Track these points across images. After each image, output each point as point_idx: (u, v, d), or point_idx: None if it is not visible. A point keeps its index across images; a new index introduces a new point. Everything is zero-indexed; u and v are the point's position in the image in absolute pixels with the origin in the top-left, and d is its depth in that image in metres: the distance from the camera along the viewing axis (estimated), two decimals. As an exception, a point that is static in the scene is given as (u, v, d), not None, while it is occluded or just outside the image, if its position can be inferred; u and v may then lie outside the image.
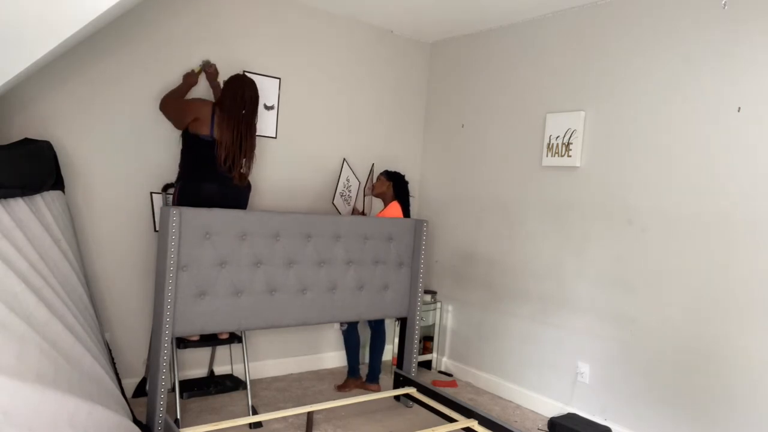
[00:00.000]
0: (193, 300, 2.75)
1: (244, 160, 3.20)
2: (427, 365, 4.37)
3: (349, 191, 4.17)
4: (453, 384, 4.06)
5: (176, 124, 3.22)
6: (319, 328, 4.14)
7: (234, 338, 3.34)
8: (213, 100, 3.27)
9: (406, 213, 3.80)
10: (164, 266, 2.66)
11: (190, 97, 3.31)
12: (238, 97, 3.14)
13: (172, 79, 3.38)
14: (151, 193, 3.36)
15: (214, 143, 3.11)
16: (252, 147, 3.24)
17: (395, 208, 3.74)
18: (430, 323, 4.34)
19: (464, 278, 4.22)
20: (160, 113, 3.35)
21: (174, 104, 3.22)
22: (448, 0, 3.62)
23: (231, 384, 3.53)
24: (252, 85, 3.23)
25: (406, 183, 3.88)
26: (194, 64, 3.43)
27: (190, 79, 3.33)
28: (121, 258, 3.31)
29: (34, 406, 1.79)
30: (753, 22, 2.74)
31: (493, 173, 4.03)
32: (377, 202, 4.25)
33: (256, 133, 3.32)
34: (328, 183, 4.10)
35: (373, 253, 3.39)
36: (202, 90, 3.45)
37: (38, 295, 2.08)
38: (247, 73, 3.66)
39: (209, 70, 3.39)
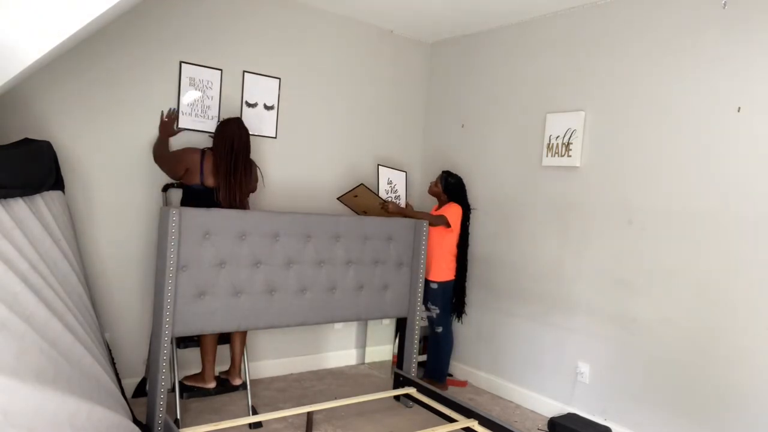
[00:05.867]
0: (192, 300, 2.75)
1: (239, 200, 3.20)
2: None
3: (396, 191, 4.10)
4: (463, 384, 4.07)
5: (170, 174, 3.26)
6: (318, 328, 4.14)
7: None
8: (201, 148, 3.25)
9: (467, 214, 3.94)
10: (164, 266, 2.66)
11: (181, 148, 3.27)
12: (226, 144, 3.15)
13: (172, 78, 3.38)
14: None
15: (205, 191, 3.12)
16: (248, 190, 3.25)
17: (455, 207, 3.88)
18: (430, 323, 4.34)
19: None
20: (160, 114, 3.35)
21: (164, 157, 3.24)
22: (448, 0, 3.62)
23: (231, 384, 3.52)
24: (239, 128, 3.23)
25: (464, 191, 4.00)
26: (194, 63, 3.44)
27: (166, 129, 3.29)
28: (121, 258, 3.31)
29: (33, 406, 1.79)
30: (753, 22, 2.74)
31: (493, 173, 4.03)
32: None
33: (254, 170, 3.34)
34: (328, 183, 4.10)
35: (373, 253, 3.39)
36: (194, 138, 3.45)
37: (38, 295, 2.07)
38: (247, 73, 3.67)
39: (166, 119, 3.31)
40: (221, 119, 3.45)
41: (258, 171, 3.39)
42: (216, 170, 3.12)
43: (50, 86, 3.03)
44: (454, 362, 4.23)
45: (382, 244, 3.43)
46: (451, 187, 3.94)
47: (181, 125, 3.42)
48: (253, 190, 3.37)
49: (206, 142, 3.43)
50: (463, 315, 4.05)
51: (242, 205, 3.20)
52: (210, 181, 3.13)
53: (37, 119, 3.01)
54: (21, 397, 1.76)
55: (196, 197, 3.15)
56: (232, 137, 3.17)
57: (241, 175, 3.17)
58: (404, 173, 4.07)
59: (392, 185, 4.00)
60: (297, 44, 3.88)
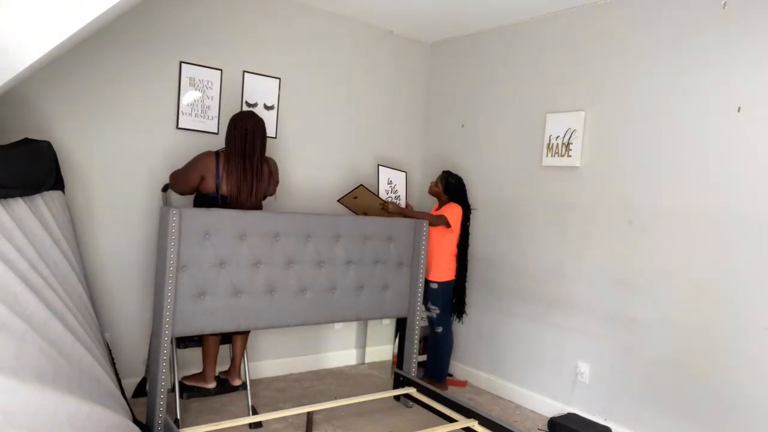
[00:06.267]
0: (192, 300, 2.75)
1: (258, 197, 3.10)
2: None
3: (396, 191, 4.08)
4: (463, 384, 4.07)
5: (185, 189, 3.08)
6: (319, 328, 4.14)
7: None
8: (213, 151, 3.09)
9: (467, 214, 3.93)
10: (164, 266, 2.66)
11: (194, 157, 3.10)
12: (241, 130, 3.03)
13: (172, 79, 3.38)
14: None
15: (220, 199, 3.01)
16: (265, 188, 3.14)
17: (456, 207, 3.87)
18: (430, 323, 4.34)
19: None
20: (160, 114, 3.35)
21: (179, 173, 3.09)
22: (448, 0, 3.62)
23: (231, 384, 3.52)
24: (252, 117, 3.09)
25: (465, 191, 3.99)
26: (194, 63, 3.44)
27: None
28: (121, 258, 3.31)
29: (33, 406, 1.79)
30: (753, 22, 2.74)
31: (493, 173, 4.03)
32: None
33: (274, 171, 3.22)
34: (328, 183, 4.10)
35: (373, 253, 3.39)
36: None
37: (38, 295, 2.07)
38: (247, 74, 3.67)
39: None
40: (231, 115, 3.37)
41: (277, 173, 3.27)
42: (230, 169, 2.98)
43: (50, 86, 3.03)
44: (454, 362, 4.23)
45: (382, 244, 3.42)
46: (451, 188, 3.94)
47: (181, 125, 3.42)
48: (272, 193, 3.28)
49: (206, 142, 3.43)
50: (464, 315, 4.05)
51: (257, 198, 3.09)
52: (225, 187, 2.99)
53: (37, 119, 3.01)
54: (21, 397, 1.76)
55: (207, 206, 3.01)
56: (245, 123, 3.04)
57: (258, 162, 3.05)
58: (404, 173, 4.07)
59: (392, 185, 4.00)
60: (297, 44, 3.88)
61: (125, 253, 3.32)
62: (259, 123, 3.10)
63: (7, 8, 1.93)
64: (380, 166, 3.97)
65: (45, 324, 2.04)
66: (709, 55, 2.89)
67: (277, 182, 3.30)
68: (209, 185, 3.01)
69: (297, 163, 3.94)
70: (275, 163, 3.30)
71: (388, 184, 3.98)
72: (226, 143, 3.10)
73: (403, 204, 3.96)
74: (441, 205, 3.98)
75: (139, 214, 3.35)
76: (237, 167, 3.01)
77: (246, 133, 3.04)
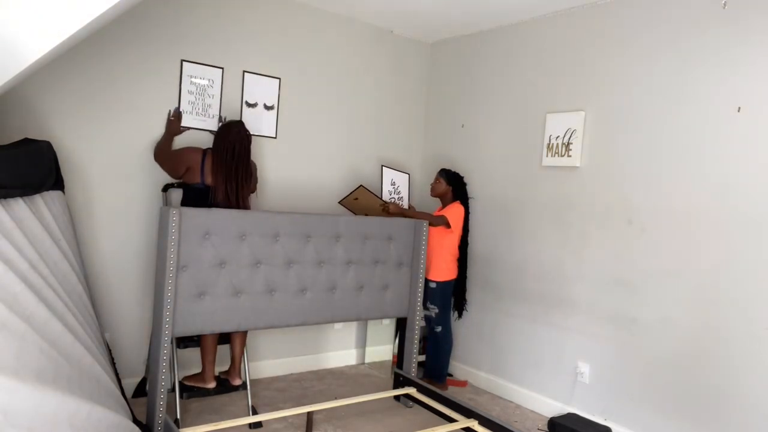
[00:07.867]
0: (192, 300, 2.75)
1: (241, 201, 3.19)
2: (427, 365, 4.37)
3: (399, 192, 4.08)
4: (463, 384, 4.07)
5: (171, 173, 3.27)
6: (319, 328, 4.14)
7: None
8: (203, 148, 3.26)
9: (467, 213, 3.93)
10: (164, 266, 2.66)
11: (182, 147, 3.30)
12: (228, 148, 3.13)
13: (173, 77, 3.38)
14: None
15: (205, 190, 3.13)
16: (248, 193, 3.24)
17: (458, 208, 3.86)
18: (430, 323, 4.34)
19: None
20: (160, 113, 3.35)
21: (166, 156, 3.26)
22: (448, 0, 3.62)
23: (231, 384, 3.52)
24: (240, 132, 3.20)
25: (465, 184, 3.98)
26: (194, 61, 3.44)
27: (171, 127, 3.32)
28: (121, 258, 3.31)
29: (33, 406, 1.79)
30: (753, 22, 2.74)
31: (493, 173, 4.03)
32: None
33: (254, 171, 3.35)
34: (327, 183, 4.10)
35: (373, 253, 3.39)
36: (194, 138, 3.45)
37: (38, 295, 2.07)
38: (247, 73, 3.67)
39: (172, 118, 3.35)
40: (223, 120, 3.46)
41: (256, 172, 3.40)
42: (215, 173, 3.12)
43: (50, 86, 3.03)
44: (454, 362, 4.23)
45: (382, 244, 3.42)
46: (453, 179, 3.93)
47: (181, 124, 3.43)
48: (253, 190, 3.39)
49: (207, 141, 3.43)
50: (464, 312, 4.05)
51: (244, 206, 3.19)
52: (210, 180, 3.13)
53: (37, 119, 3.01)
54: (21, 397, 1.76)
55: (196, 196, 3.15)
56: (233, 142, 3.16)
57: (241, 179, 3.16)
58: (407, 175, 4.07)
59: (395, 186, 4.00)
60: (297, 44, 3.88)
61: (125, 253, 3.32)
62: (246, 136, 3.21)
63: (7, 8, 1.93)
64: (384, 167, 3.97)
65: (45, 324, 2.04)
66: (709, 55, 2.89)
67: (256, 180, 3.41)
68: (194, 177, 3.15)
69: (297, 163, 3.94)
70: (255, 165, 3.38)
71: (392, 185, 3.99)
72: (214, 149, 3.18)
73: (405, 205, 3.96)
74: (444, 205, 3.97)
75: (139, 214, 3.35)
76: (220, 174, 3.10)
77: (234, 147, 3.14)
